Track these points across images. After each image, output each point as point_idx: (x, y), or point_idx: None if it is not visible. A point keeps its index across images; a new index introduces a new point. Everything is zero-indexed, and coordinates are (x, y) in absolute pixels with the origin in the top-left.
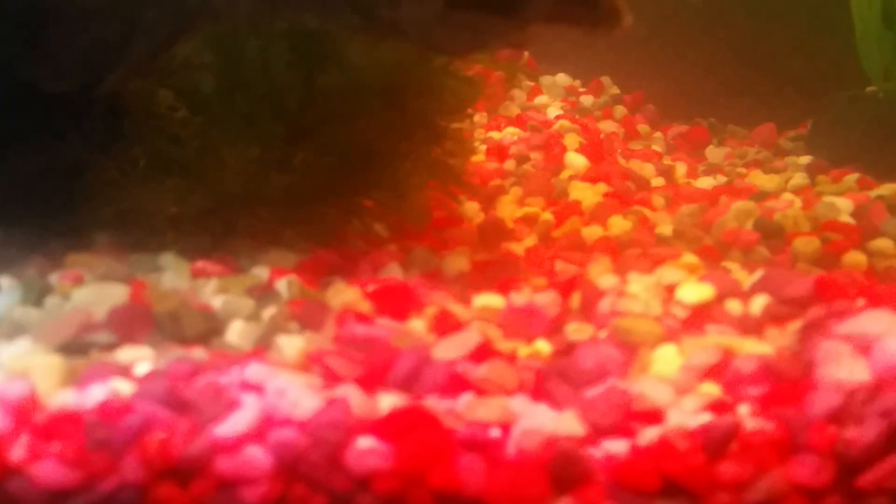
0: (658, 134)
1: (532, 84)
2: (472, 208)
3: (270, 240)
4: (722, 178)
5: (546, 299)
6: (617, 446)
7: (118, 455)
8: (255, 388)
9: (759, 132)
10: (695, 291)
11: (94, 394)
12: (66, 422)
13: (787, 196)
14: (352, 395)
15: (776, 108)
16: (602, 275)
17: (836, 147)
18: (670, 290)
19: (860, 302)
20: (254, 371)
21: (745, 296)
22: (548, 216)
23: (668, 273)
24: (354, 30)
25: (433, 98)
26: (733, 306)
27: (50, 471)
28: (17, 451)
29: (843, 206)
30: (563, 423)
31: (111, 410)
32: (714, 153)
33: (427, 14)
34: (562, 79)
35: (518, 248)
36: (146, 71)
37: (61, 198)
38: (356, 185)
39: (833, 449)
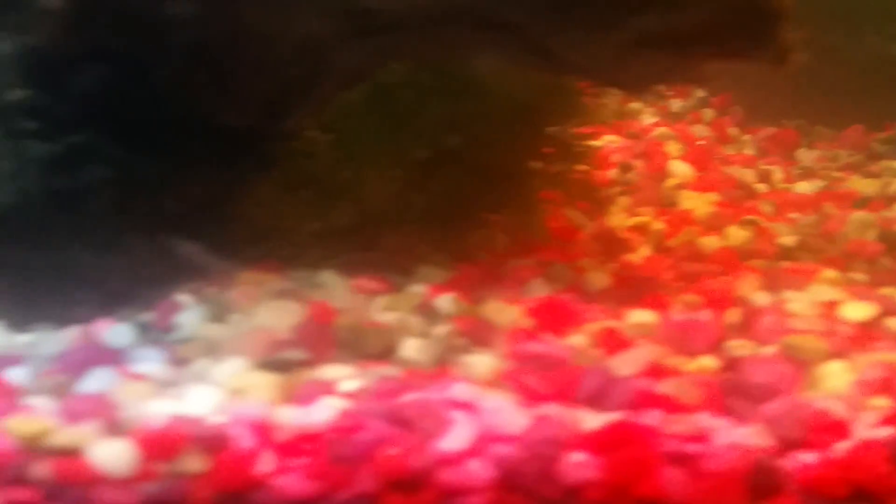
0: (747, 137)
1: None
2: (582, 218)
3: (408, 256)
4: (819, 183)
5: (705, 316)
6: (807, 458)
7: (355, 468)
8: (465, 406)
9: (848, 134)
10: (858, 310)
11: (321, 412)
12: (308, 439)
13: None
14: (558, 412)
15: (861, 109)
16: (754, 292)
17: None
18: (829, 306)
19: None
20: (461, 390)
21: None
22: (659, 225)
23: (822, 290)
24: (535, 70)
25: (560, 117)
26: (893, 324)
27: (294, 483)
28: (263, 466)
29: None
30: (752, 436)
31: (346, 428)
32: (806, 156)
33: (607, 54)
34: None
35: (634, 258)
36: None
37: (226, 218)
38: (489, 203)
39: None
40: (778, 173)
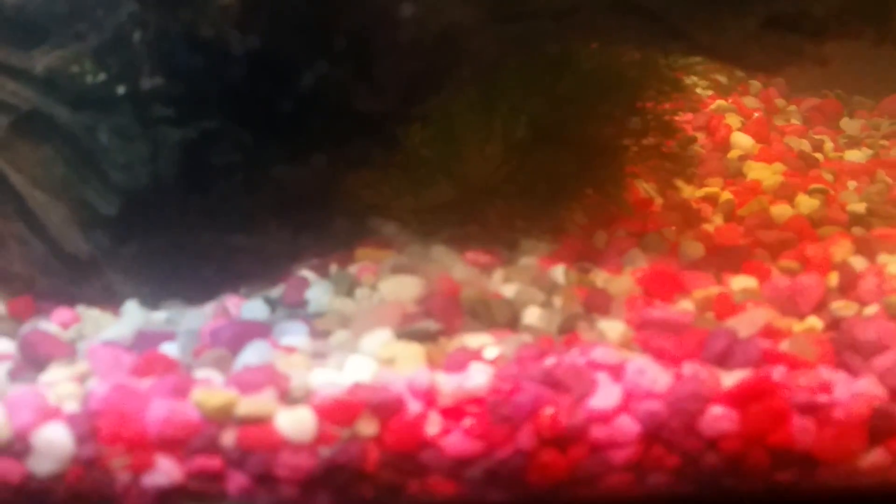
0: (793, 107)
1: None
2: (653, 190)
3: (509, 229)
4: (867, 151)
5: (811, 279)
6: None
7: (516, 428)
8: (607, 367)
9: (886, 103)
10: None
11: (477, 377)
12: (471, 402)
13: None
14: (700, 371)
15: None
16: (849, 256)
17: None
18: None
19: None
20: (601, 353)
21: None
22: (728, 196)
23: None
24: (676, 54)
25: (651, 93)
26: None
27: (458, 442)
28: (431, 428)
29: None
30: (868, 387)
31: (506, 390)
32: (850, 125)
33: (741, 37)
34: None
35: (709, 227)
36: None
37: (337, 197)
38: (584, 179)
39: None
40: (828, 143)
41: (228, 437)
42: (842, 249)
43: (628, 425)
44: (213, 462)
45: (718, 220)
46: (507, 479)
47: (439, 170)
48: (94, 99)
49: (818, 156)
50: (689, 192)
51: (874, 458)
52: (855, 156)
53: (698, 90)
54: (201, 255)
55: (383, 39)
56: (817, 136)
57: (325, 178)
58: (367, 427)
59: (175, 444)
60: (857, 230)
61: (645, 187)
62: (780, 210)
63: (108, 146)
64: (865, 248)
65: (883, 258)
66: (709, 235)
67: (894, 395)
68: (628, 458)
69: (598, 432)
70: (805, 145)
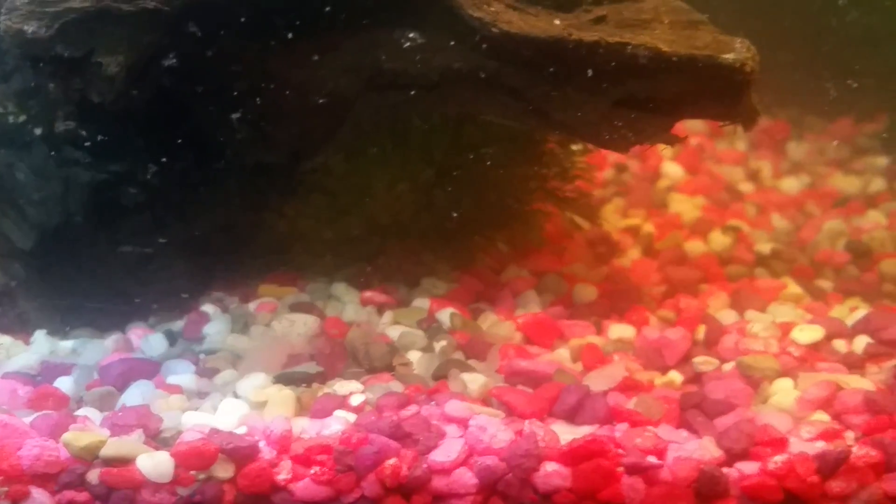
0: (740, 129)
1: None
2: (576, 222)
3: (414, 263)
4: (805, 179)
5: (676, 334)
6: (749, 468)
7: (360, 477)
8: (455, 420)
9: (837, 126)
10: (807, 333)
11: (332, 426)
12: (319, 451)
13: (873, 214)
14: (537, 429)
15: (852, 100)
16: (721, 309)
17: None
18: (784, 327)
19: None
20: (453, 407)
21: (849, 335)
22: (650, 228)
23: (780, 311)
24: (532, 128)
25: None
26: (839, 345)
27: (307, 488)
28: (283, 474)
29: None
30: (704, 449)
31: (352, 441)
32: (795, 149)
33: (594, 117)
34: None
35: (625, 261)
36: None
37: (247, 235)
38: (487, 215)
39: None
40: (766, 169)
41: (94, 475)
42: (718, 301)
43: (467, 478)
44: (81, 496)
45: (636, 253)
46: None
47: (345, 210)
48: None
49: (748, 186)
50: (612, 223)
51: None
52: (791, 184)
53: None
54: (111, 288)
55: (274, 102)
56: (757, 163)
57: (229, 218)
58: (223, 471)
59: (46, 478)
60: (760, 271)
61: (569, 221)
62: (694, 246)
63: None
64: (741, 301)
65: (750, 314)
66: (621, 271)
67: (731, 455)
68: None
69: (438, 483)
70: (738, 173)
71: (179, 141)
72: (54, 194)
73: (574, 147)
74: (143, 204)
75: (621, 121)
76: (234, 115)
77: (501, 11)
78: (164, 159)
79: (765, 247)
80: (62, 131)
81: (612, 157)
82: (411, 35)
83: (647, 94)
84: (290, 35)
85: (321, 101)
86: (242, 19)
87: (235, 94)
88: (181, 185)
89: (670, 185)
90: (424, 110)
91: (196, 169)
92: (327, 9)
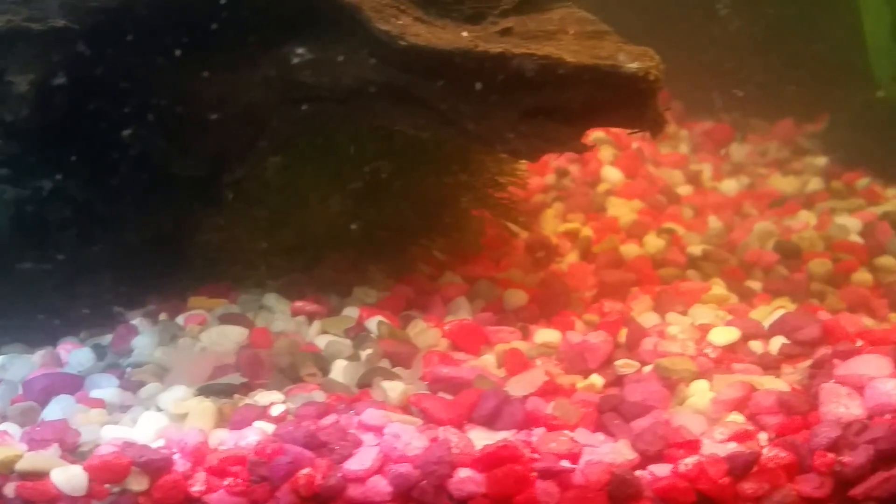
0: (684, 132)
1: None
2: (516, 227)
3: (351, 272)
4: (745, 180)
5: (598, 338)
6: (662, 470)
7: (274, 487)
8: (373, 429)
9: (779, 128)
10: (724, 334)
11: (249, 437)
12: (234, 462)
13: (804, 214)
14: (451, 436)
15: (795, 102)
16: (644, 312)
17: (850, 149)
18: (703, 329)
19: (859, 343)
20: (370, 415)
21: (765, 336)
22: (588, 232)
23: (700, 312)
24: (446, 139)
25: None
26: (755, 346)
27: (222, 499)
28: (197, 486)
29: (852, 226)
30: (617, 452)
31: (267, 452)
32: (737, 151)
33: (504, 126)
34: None
35: (563, 264)
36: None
37: (179, 247)
38: (421, 223)
39: (831, 469)
40: (707, 171)
41: (10, 489)
42: (641, 304)
43: (382, 486)
44: None
45: (574, 257)
46: None
47: (279, 221)
48: None
49: (686, 189)
50: (552, 227)
51: None
52: (730, 186)
53: None
54: (40, 303)
55: (193, 116)
56: (698, 165)
57: (156, 231)
58: (137, 483)
59: None
60: (692, 273)
61: (509, 226)
62: (629, 249)
63: None
64: (663, 304)
65: (671, 317)
66: (557, 275)
67: (645, 457)
68: None
69: (354, 492)
70: (678, 176)
71: (102, 156)
72: None
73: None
74: (69, 219)
75: (530, 130)
76: (154, 129)
77: (409, 25)
78: (88, 174)
79: (696, 249)
80: None
81: (554, 162)
82: (324, 49)
83: (554, 104)
84: (206, 51)
85: (238, 114)
86: (156, 36)
87: (154, 108)
88: (106, 199)
89: (609, 189)
90: (339, 122)
91: (120, 183)
92: (242, 25)
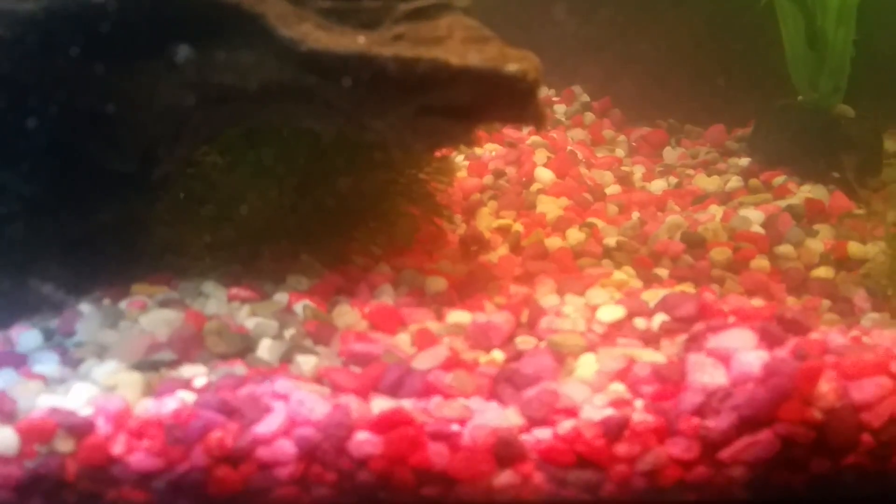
0: (622, 137)
1: None
2: (456, 220)
3: (289, 263)
4: (674, 180)
5: (501, 317)
6: (544, 434)
7: (189, 448)
8: (283, 397)
9: (710, 132)
10: (611, 312)
11: (169, 404)
12: (151, 425)
13: (713, 209)
14: (352, 402)
15: (728, 109)
16: (547, 294)
17: (771, 150)
18: (594, 309)
19: (731, 319)
20: (281, 385)
21: (650, 314)
22: (518, 227)
23: (595, 294)
24: (350, 135)
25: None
26: (640, 322)
27: (141, 459)
28: (118, 447)
29: (755, 218)
30: (506, 417)
31: (182, 416)
32: (670, 154)
33: (400, 123)
34: None
35: (493, 257)
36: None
37: (123, 239)
38: (355, 217)
39: (698, 433)
40: (638, 172)
41: None
42: (545, 287)
43: (287, 447)
44: None
45: (504, 250)
46: (190, 490)
47: (219, 216)
48: None
49: (615, 188)
50: (486, 223)
51: (504, 478)
52: (659, 185)
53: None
54: None
55: (122, 116)
56: (630, 167)
57: (98, 223)
58: (64, 444)
59: None
60: (606, 262)
61: (444, 222)
62: (553, 242)
63: None
64: (564, 287)
65: (569, 298)
66: (487, 266)
67: (531, 422)
68: (291, 474)
69: (263, 453)
70: (608, 177)
71: (46, 153)
72: None
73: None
74: (16, 212)
75: (424, 127)
76: (88, 128)
77: (310, 31)
78: (32, 170)
79: (612, 240)
80: None
81: (492, 164)
82: (236, 53)
83: (444, 103)
84: (133, 56)
85: (163, 113)
86: (87, 42)
87: (88, 108)
88: (50, 193)
89: (541, 189)
90: (254, 120)
91: (62, 178)
92: (163, 32)
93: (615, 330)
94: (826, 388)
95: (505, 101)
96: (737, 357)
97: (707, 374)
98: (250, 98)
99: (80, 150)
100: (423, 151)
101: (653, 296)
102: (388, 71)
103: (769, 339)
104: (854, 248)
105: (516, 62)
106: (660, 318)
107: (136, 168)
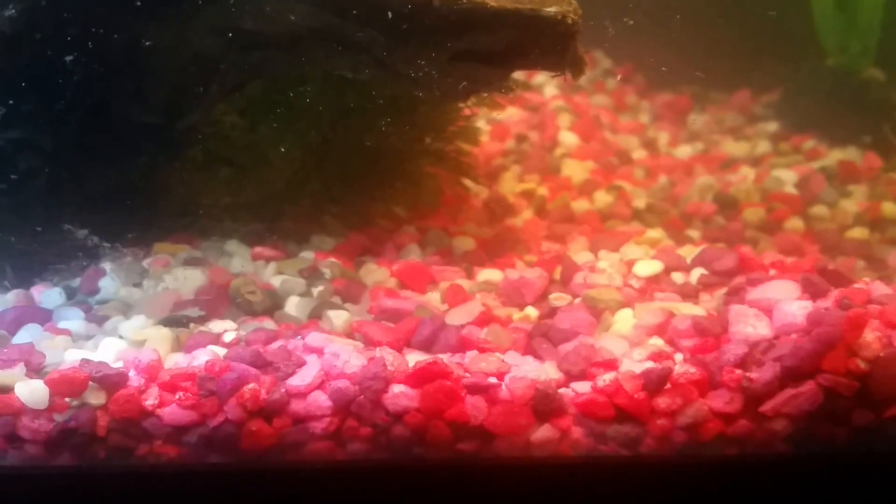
0: (646, 104)
1: None
2: (479, 186)
3: (311, 225)
4: (700, 146)
5: (534, 273)
6: (583, 387)
7: (222, 401)
8: (316, 350)
9: (736, 99)
10: (648, 267)
11: (200, 357)
12: (184, 378)
13: (745, 170)
14: (387, 355)
15: (754, 74)
16: (579, 252)
17: (799, 114)
18: (630, 264)
19: (772, 272)
20: (313, 338)
21: (687, 268)
22: (543, 191)
23: (630, 250)
24: (380, 80)
25: (436, 101)
26: (677, 277)
27: (174, 412)
28: (150, 400)
29: (788, 179)
30: (544, 371)
31: (215, 370)
32: (696, 121)
33: (433, 68)
34: None
35: (518, 221)
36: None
37: (145, 197)
38: (378, 178)
39: (740, 385)
40: (664, 138)
41: None
42: (577, 245)
43: (322, 401)
44: None
45: (529, 214)
46: (223, 444)
47: (243, 176)
48: None
49: (641, 153)
50: (510, 187)
51: (542, 433)
52: (685, 151)
53: (546, 90)
54: (15, 249)
55: (147, 65)
56: (654, 133)
57: (121, 179)
58: (95, 398)
59: None
60: (636, 224)
61: (468, 185)
62: (579, 205)
63: None
64: (598, 244)
65: (603, 255)
66: (512, 229)
67: (569, 376)
68: (325, 428)
69: (297, 406)
70: (633, 142)
71: (68, 108)
72: None
73: (455, 113)
74: (39, 168)
75: (459, 72)
76: (113, 80)
77: None
78: (55, 125)
79: (641, 202)
80: None
81: (514, 128)
82: None
83: (480, 47)
84: (156, 3)
85: (189, 62)
86: None
87: (111, 58)
88: (72, 148)
89: (565, 153)
90: (284, 68)
91: (84, 132)
92: None
93: (652, 284)
94: (871, 337)
95: (543, 44)
96: (780, 308)
97: (749, 326)
98: (279, 44)
99: (106, 103)
100: (457, 98)
101: (690, 251)
102: (424, 15)
103: (812, 290)
104: (889, 208)
105: (555, 5)
106: (698, 272)
107: (162, 119)
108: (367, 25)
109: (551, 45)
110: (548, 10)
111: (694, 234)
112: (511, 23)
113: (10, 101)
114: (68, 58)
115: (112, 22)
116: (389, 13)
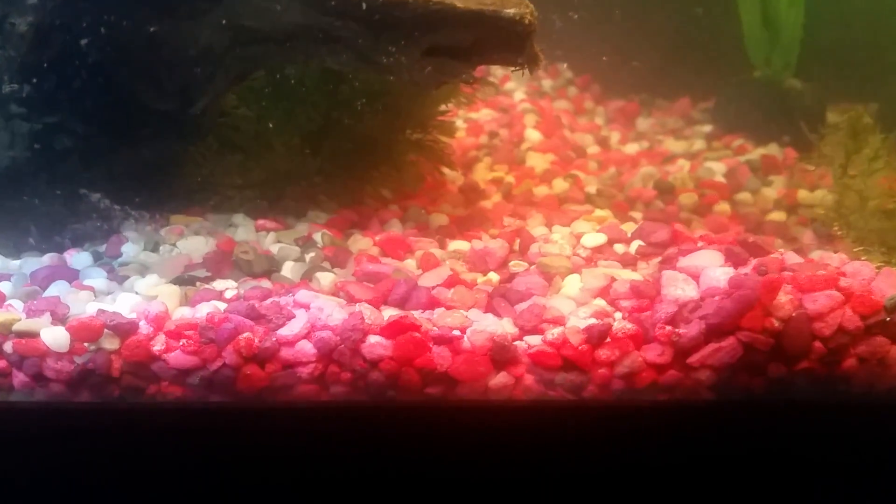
0: (601, 108)
1: (504, 73)
2: (455, 174)
3: (309, 203)
4: (645, 144)
5: (497, 244)
6: (535, 340)
7: (220, 347)
8: (304, 305)
9: (677, 105)
10: (594, 238)
11: (203, 310)
12: (187, 327)
13: (682, 162)
14: (365, 309)
15: (693, 85)
16: (536, 226)
17: (730, 118)
18: (579, 237)
19: (700, 245)
20: (302, 295)
21: (627, 241)
22: (510, 179)
23: (579, 225)
24: (358, 70)
25: (419, 98)
26: (619, 248)
27: (178, 357)
28: (157, 345)
29: (718, 169)
30: (501, 326)
31: (215, 320)
32: (643, 123)
33: (407, 60)
34: None
35: (488, 203)
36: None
37: (163, 175)
38: (367, 163)
39: (670, 340)
40: (615, 137)
41: (9, 346)
42: (535, 221)
43: (308, 348)
44: (1, 363)
45: (498, 197)
46: (221, 386)
47: (251, 161)
48: None
49: (594, 148)
50: (482, 175)
51: (499, 379)
52: (632, 147)
53: (516, 94)
54: (51, 219)
55: (163, 57)
56: (607, 132)
57: (144, 158)
58: (110, 343)
59: None
60: (588, 206)
61: (447, 172)
62: (540, 190)
63: None
64: (552, 220)
65: (556, 229)
66: (483, 210)
67: (523, 331)
68: (311, 372)
69: (285, 353)
70: (588, 139)
71: (97, 94)
72: (2, 143)
73: (434, 108)
74: (72, 148)
75: (430, 65)
76: (135, 70)
77: None
78: (86, 110)
79: (592, 188)
80: (7, 92)
81: (487, 126)
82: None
83: (449, 43)
84: (170, 2)
85: (198, 55)
86: None
87: (134, 51)
88: (100, 131)
89: (530, 147)
90: (280, 60)
91: (111, 118)
92: None
93: (597, 254)
94: (784, 299)
95: (503, 42)
96: (706, 273)
97: (679, 289)
98: (276, 40)
99: (128, 92)
100: (427, 86)
101: (630, 226)
102: (400, 13)
103: (734, 259)
104: (803, 194)
105: (514, 7)
106: (636, 244)
107: (176, 106)
108: (352, 23)
109: (511, 43)
110: (507, 11)
111: (637, 215)
112: (475, 22)
113: (49, 91)
114: (95, 52)
115: (133, 18)
116: (369, 12)
